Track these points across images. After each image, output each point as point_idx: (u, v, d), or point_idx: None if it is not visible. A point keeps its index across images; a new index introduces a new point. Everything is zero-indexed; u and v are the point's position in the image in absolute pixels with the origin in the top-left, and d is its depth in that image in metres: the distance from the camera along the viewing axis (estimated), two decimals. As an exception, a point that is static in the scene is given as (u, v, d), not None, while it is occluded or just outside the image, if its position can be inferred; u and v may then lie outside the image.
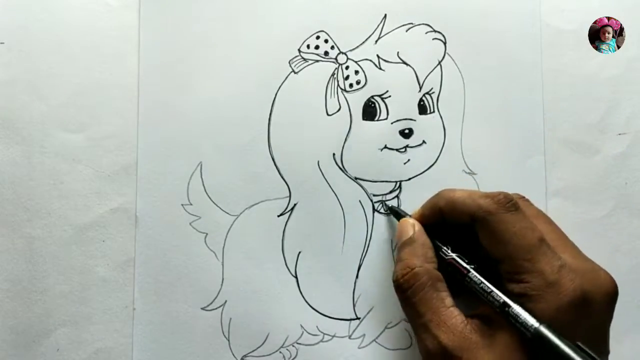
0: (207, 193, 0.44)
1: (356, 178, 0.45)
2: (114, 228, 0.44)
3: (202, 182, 0.44)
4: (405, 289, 0.38)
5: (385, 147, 0.45)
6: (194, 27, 0.45)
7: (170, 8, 0.45)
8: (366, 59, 0.45)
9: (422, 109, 0.46)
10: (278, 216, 0.45)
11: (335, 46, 0.45)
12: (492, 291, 0.37)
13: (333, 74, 0.45)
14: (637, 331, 0.46)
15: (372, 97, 0.45)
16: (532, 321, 0.34)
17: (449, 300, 0.37)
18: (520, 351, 0.35)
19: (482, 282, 0.37)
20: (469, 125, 0.46)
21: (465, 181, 0.46)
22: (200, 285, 0.44)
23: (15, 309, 0.43)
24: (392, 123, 0.45)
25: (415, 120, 0.45)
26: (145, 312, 0.43)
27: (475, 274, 0.38)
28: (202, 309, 0.44)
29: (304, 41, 0.45)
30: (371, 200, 0.45)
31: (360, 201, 0.45)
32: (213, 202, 0.44)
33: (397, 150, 0.45)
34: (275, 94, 0.45)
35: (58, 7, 0.45)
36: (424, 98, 0.46)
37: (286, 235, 0.45)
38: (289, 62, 0.45)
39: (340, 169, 0.45)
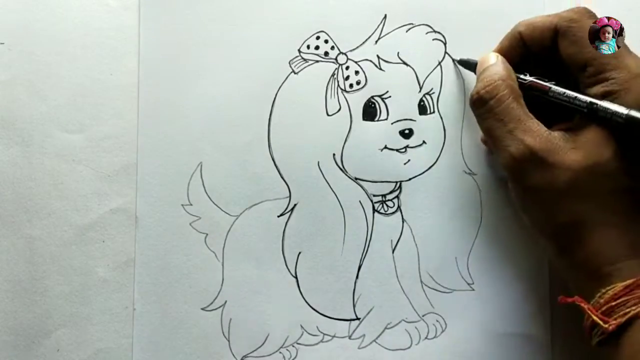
0: (207, 193, 0.44)
1: (356, 178, 0.45)
2: (114, 228, 0.44)
3: (202, 182, 0.44)
4: (488, 99, 0.39)
5: (386, 147, 0.45)
6: (194, 28, 0.45)
7: (170, 8, 0.45)
8: (366, 60, 0.45)
9: (422, 110, 0.46)
10: (278, 216, 0.45)
11: (335, 46, 0.45)
12: (576, 96, 0.38)
13: (333, 74, 0.45)
14: (638, 331, 0.46)
15: (372, 97, 0.45)
16: (622, 109, 0.36)
17: (529, 114, 0.38)
18: (608, 146, 0.36)
19: (565, 91, 0.39)
20: (469, 126, 0.46)
21: (466, 181, 0.46)
22: (200, 285, 0.44)
23: (16, 310, 0.43)
24: (392, 123, 0.45)
25: (415, 121, 0.45)
26: (146, 313, 0.43)
27: (557, 87, 0.39)
28: (202, 309, 0.44)
29: (304, 41, 0.45)
30: (371, 201, 0.45)
31: (360, 201, 0.45)
32: (213, 203, 0.44)
33: (397, 150, 0.45)
34: (276, 94, 0.45)
35: (58, 7, 0.45)
36: (424, 98, 0.46)
37: (286, 236, 0.45)
38: (289, 63, 0.45)
39: (341, 169, 0.45)
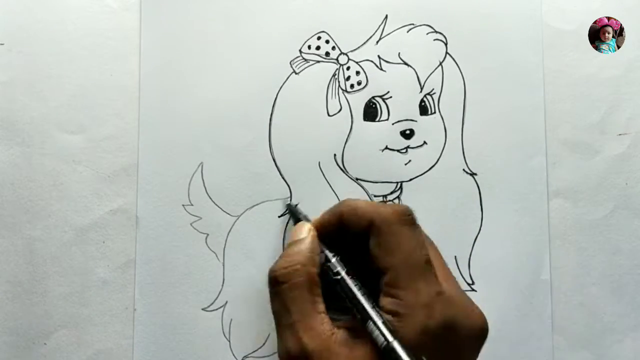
0: (208, 194, 0.44)
1: (357, 179, 0.45)
2: (114, 229, 0.44)
3: (203, 182, 0.44)
4: (280, 283, 0.36)
5: (386, 147, 0.45)
6: (195, 28, 0.45)
7: (171, 9, 0.45)
8: (367, 60, 0.45)
9: (423, 110, 0.46)
10: (279, 217, 0.45)
11: (336, 47, 0.45)
12: (359, 302, 0.36)
13: (334, 75, 0.45)
14: (638, 331, 0.46)
15: (373, 97, 0.45)
16: (382, 338, 0.34)
17: (321, 306, 0.36)
18: None
19: (352, 290, 0.37)
20: (470, 126, 0.46)
21: (466, 182, 0.46)
22: (201, 286, 0.44)
23: (16, 311, 0.43)
24: (393, 124, 0.45)
25: (416, 121, 0.45)
26: (146, 313, 0.43)
27: (349, 282, 0.37)
28: (203, 309, 0.44)
29: (305, 42, 0.45)
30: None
31: (361, 202, 0.45)
32: (214, 203, 0.44)
33: (398, 151, 0.45)
34: (276, 95, 0.45)
35: (58, 8, 0.45)
36: (425, 99, 0.46)
37: (287, 236, 0.45)
38: (290, 63, 0.45)
39: (341, 169, 0.45)
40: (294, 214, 0.44)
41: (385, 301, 0.36)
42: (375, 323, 0.35)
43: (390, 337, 0.34)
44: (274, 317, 0.37)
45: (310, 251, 0.38)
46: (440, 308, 0.35)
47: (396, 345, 0.33)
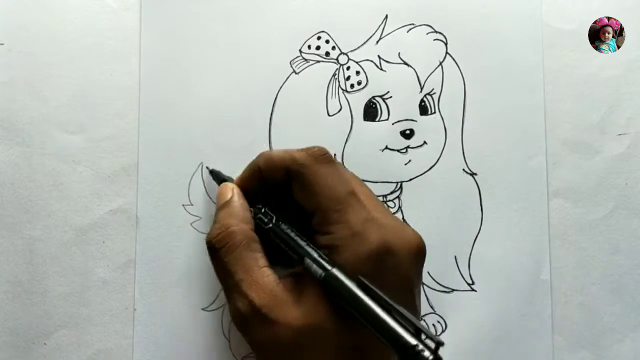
0: (208, 194, 0.44)
1: (357, 179, 0.45)
2: (114, 229, 0.44)
3: (203, 182, 0.44)
4: (218, 248, 0.37)
5: (386, 147, 0.45)
6: (195, 28, 0.45)
7: (171, 9, 0.45)
8: (367, 60, 0.45)
9: (423, 110, 0.46)
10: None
11: (336, 47, 0.45)
12: (294, 242, 0.37)
13: (334, 75, 0.45)
14: (638, 331, 0.46)
15: (373, 97, 0.45)
16: (320, 271, 0.34)
17: (262, 261, 0.37)
18: (327, 304, 0.34)
19: (285, 232, 0.37)
20: (470, 126, 0.46)
21: (466, 181, 0.46)
22: (200, 285, 0.44)
23: (15, 311, 0.43)
24: (393, 124, 0.45)
25: (416, 121, 0.45)
26: (146, 313, 0.43)
27: (283, 227, 0.38)
28: (203, 309, 0.44)
29: (305, 42, 0.45)
30: (372, 201, 0.45)
31: (361, 202, 0.45)
32: (214, 203, 0.44)
33: (398, 151, 0.45)
34: (276, 95, 0.45)
35: (58, 8, 0.45)
36: (425, 99, 0.46)
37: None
38: (290, 63, 0.45)
39: (341, 169, 0.45)
40: (216, 176, 0.43)
41: (319, 238, 0.36)
42: (311, 256, 0.35)
43: (328, 266, 0.34)
44: (220, 283, 0.38)
45: (239, 209, 0.39)
46: (373, 233, 0.35)
47: (336, 272, 0.34)
